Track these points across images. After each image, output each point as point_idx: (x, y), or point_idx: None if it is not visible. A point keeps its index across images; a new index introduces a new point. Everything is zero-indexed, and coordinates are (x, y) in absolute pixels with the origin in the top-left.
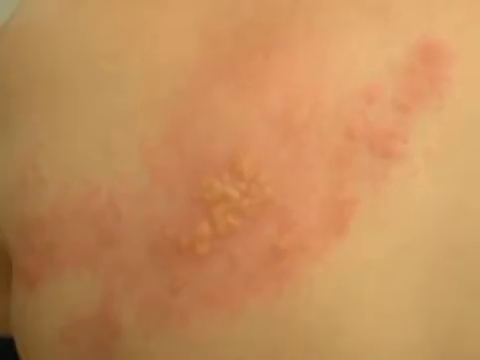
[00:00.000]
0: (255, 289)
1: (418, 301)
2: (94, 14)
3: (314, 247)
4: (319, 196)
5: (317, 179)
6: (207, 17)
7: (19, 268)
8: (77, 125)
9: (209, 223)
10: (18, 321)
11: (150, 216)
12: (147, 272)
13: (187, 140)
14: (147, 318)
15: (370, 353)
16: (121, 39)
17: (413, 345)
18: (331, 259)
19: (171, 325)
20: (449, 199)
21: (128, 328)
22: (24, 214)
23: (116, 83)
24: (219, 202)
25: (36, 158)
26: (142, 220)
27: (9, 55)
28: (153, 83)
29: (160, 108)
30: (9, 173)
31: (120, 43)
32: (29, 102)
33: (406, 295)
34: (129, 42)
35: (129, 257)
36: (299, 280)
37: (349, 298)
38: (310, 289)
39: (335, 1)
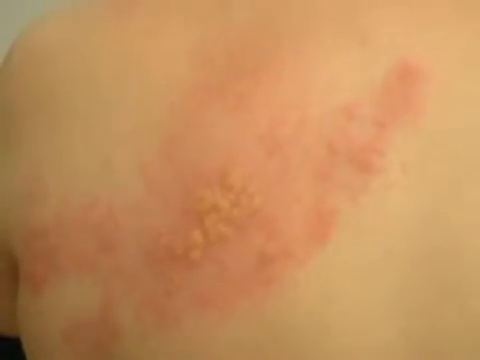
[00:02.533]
0: (244, 292)
1: (397, 302)
2: (93, 38)
3: (298, 254)
4: (303, 206)
5: (301, 191)
6: (200, 40)
7: (25, 273)
8: (78, 142)
9: (201, 232)
10: (24, 323)
11: (146, 225)
12: (144, 277)
13: (181, 155)
14: (144, 320)
15: (353, 353)
16: (119, 61)
17: (391, 344)
18: (314, 265)
19: (167, 326)
20: (424, 208)
21: (127, 330)
22: (29, 223)
23: (115, 103)
24: (210, 212)
25: (40, 172)
26: (139, 229)
27: (13, 78)
28: (149, 102)
29: (156, 125)
30: (16, 186)
31: (118, 65)
32: (33, 121)
33: (386, 297)
34: (126, 64)
35: (127, 263)
36: (284, 284)
37: (332, 301)
38: (295, 293)
39: (319, 26)
